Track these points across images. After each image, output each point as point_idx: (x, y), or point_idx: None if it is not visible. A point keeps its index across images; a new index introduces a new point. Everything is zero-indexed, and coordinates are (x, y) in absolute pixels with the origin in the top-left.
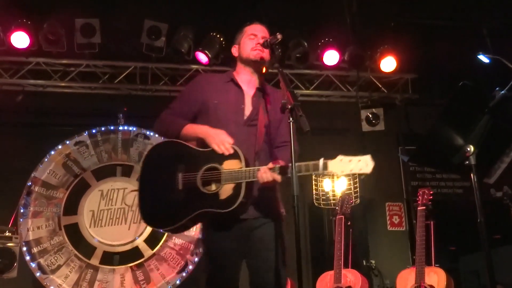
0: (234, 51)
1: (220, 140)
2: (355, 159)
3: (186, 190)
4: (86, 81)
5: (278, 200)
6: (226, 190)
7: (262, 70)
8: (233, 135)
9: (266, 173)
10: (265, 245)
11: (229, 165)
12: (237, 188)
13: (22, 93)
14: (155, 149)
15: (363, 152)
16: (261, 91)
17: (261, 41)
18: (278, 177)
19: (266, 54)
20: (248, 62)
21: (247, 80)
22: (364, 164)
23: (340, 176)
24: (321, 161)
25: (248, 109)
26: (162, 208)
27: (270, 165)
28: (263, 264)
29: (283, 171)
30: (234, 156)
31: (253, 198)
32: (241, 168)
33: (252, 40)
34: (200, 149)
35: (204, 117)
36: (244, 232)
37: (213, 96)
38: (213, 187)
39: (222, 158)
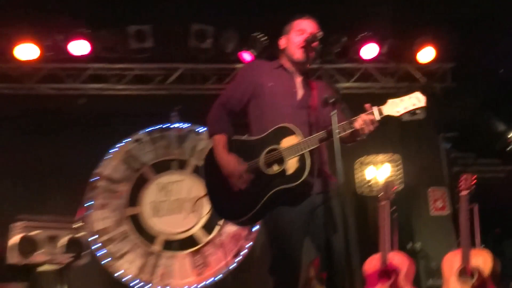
0: (282, 43)
1: (237, 178)
2: (405, 97)
3: (252, 178)
4: (140, 83)
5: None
6: (291, 165)
7: (305, 67)
8: (289, 117)
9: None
10: (331, 223)
11: (288, 142)
12: (301, 159)
13: (84, 97)
14: (212, 150)
15: (403, 141)
16: (306, 78)
17: (309, 37)
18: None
19: (310, 52)
20: (292, 61)
21: (293, 69)
22: (416, 99)
23: (398, 116)
24: (375, 109)
25: (300, 93)
26: (234, 201)
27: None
28: (332, 240)
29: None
30: (289, 132)
31: (316, 171)
32: (300, 140)
33: (299, 36)
34: (253, 138)
35: (258, 100)
36: (309, 209)
37: (267, 79)
38: (278, 166)
39: (278, 138)
